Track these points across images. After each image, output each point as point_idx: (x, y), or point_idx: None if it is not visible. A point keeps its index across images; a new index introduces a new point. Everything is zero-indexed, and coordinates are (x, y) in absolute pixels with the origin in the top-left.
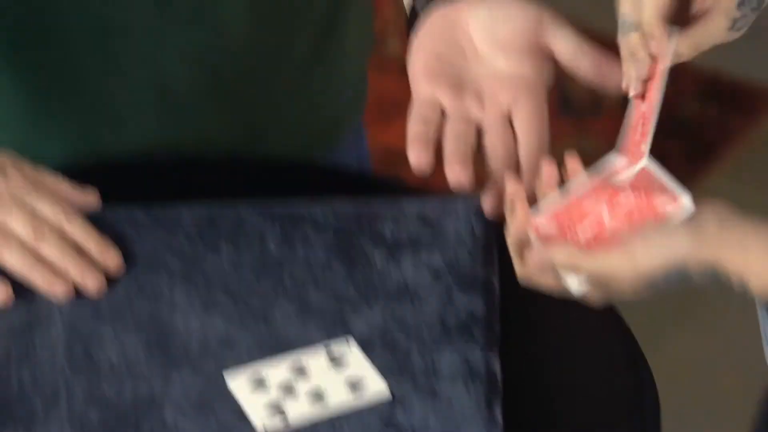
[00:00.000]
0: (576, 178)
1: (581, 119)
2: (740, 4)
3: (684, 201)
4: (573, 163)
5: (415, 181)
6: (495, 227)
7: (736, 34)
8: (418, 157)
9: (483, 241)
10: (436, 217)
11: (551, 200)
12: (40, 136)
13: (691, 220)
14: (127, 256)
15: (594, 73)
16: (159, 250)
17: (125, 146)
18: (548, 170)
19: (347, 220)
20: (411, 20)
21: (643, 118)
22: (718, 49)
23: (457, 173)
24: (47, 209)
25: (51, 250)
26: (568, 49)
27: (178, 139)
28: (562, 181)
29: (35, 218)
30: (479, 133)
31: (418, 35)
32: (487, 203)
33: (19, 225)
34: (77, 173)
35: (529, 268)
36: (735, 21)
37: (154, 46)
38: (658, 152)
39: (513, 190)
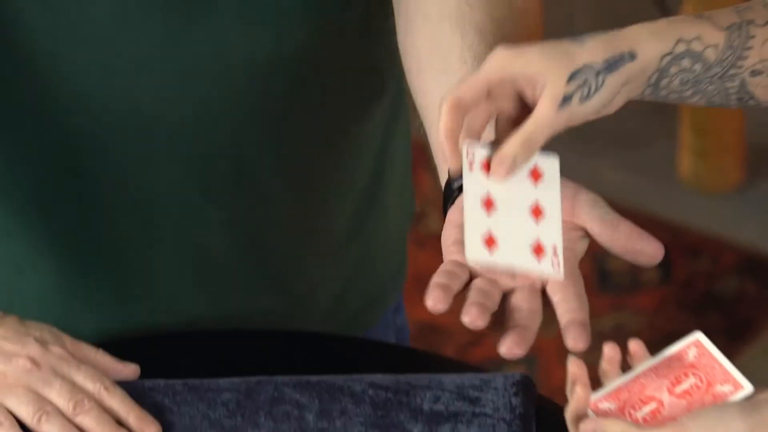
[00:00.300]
0: (640, 362)
1: (620, 295)
2: (572, 77)
3: (746, 391)
4: (637, 347)
5: (454, 356)
6: (534, 403)
7: (587, 106)
8: (435, 300)
9: (522, 417)
10: (474, 392)
11: (613, 382)
12: (79, 310)
13: (749, 403)
14: (166, 428)
15: (629, 249)
16: (198, 423)
17: (163, 318)
18: (611, 352)
19: (386, 393)
20: (446, 195)
21: None
22: (757, 224)
23: (473, 315)
24: (87, 381)
25: (90, 423)
26: (602, 226)
27: (215, 311)
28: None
29: (75, 390)
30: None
31: (453, 211)
32: (504, 346)
33: (59, 397)
34: (114, 345)
35: None
36: (567, 96)
37: (194, 221)
38: (697, 328)
39: (574, 371)
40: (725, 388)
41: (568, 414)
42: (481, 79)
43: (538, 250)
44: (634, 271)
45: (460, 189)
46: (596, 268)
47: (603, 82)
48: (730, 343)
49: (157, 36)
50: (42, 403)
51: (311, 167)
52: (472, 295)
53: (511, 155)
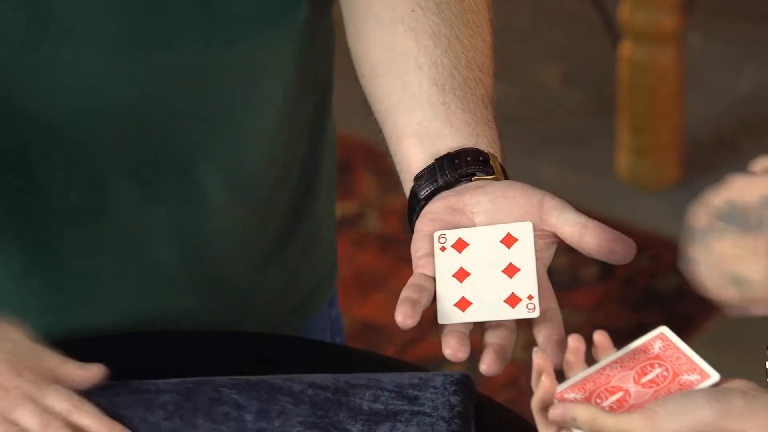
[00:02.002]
0: (605, 353)
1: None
2: None
3: (713, 379)
4: (601, 338)
5: (393, 355)
6: (473, 401)
7: None
8: (404, 315)
9: (461, 415)
10: (414, 390)
11: (578, 374)
12: (24, 312)
13: (716, 390)
14: None
15: (601, 249)
16: (136, 426)
17: (105, 320)
18: (575, 344)
19: (325, 393)
20: (411, 205)
21: None
22: None
23: (453, 348)
24: (56, 402)
25: None
26: (573, 229)
27: (157, 314)
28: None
29: (44, 413)
30: None
31: (421, 221)
32: (484, 363)
33: (29, 420)
34: (54, 348)
35: (549, 428)
36: None
37: (138, 226)
38: (637, 324)
39: (539, 362)
40: (692, 377)
41: (535, 403)
42: None
43: (512, 301)
44: (574, 268)
45: (427, 199)
46: None
47: None
48: None
49: (110, 42)
50: (10, 426)
51: (250, 166)
52: (404, 291)
53: None
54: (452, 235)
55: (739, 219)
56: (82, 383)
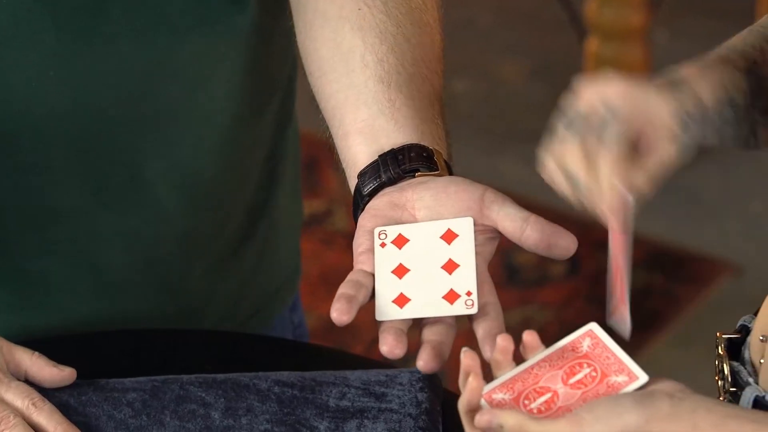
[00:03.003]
0: (533, 352)
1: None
2: (682, 123)
3: (641, 381)
4: (530, 337)
5: (360, 353)
6: (440, 398)
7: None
8: (339, 312)
9: (428, 412)
10: (380, 387)
11: (507, 374)
12: None
13: (642, 394)
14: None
15: (541, 244)
16: (103, 423)
17: (58, 322)
18: (503, 342)
19: (291, 390)
20: (356, 201)
21: (612, 286)
22: (665, 219)
23: (390, 344)
24: (16, 399)
25: None
26: (513, 224)
27: (109, 317)
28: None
29: (2, 407)
30: None
31: (363, 217)
32: (422, 360)
33: None
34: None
35: (475, 430)
36: (684, 144)
37: (89, 229)
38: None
39: (467, 362)
40: (620, 379)
41: (461, 405)
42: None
43: (451, 297)
44: (542, 265)
45: (371, 195)
46: (504, 263)
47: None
48: (638, 335)
49: (49, 46)
50: None
51: (203, 171)
52: (341, 287)
53: (638, 188)
54: (392, 231)
55: (581, 126)
56: (53, 382)
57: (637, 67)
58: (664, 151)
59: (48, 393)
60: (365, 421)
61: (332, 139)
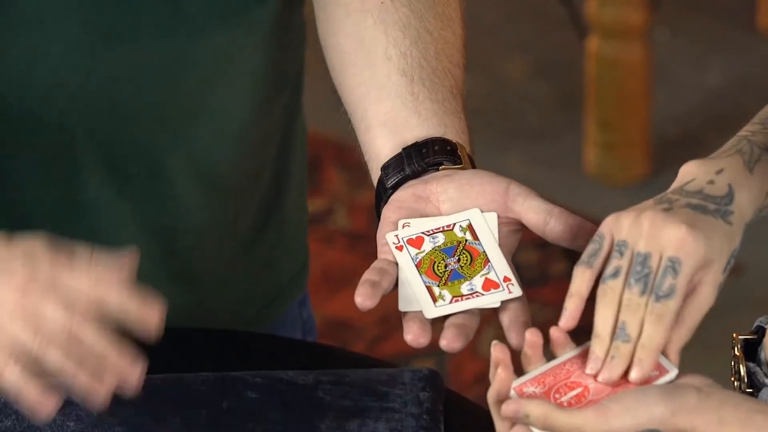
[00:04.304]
0: (561, 348)
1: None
2: (727, 266)
3: (672, 375)
4: (558, 334)
5: (361, 352)
6: (442, 397)
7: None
8: (363, 296)
9: (430, 411)
10: (382, 387)
11: (538, 368)
12: None
13: (670, 387)
14: (72, 425)
15: (565, 236)
16: (105, 419)
17: None
18: (534, 338)
19: (293, 390)
20: (379, 194)
21: None
22: None
23: (415, 333)
24: (84, 286)
25: (90, 337)
26: (538, 216)
27: None
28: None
29: (67, 312)
30: None
31: (387, 208)
32: (445, 339)
33: (54, 316)
34: None
35: (504, 421)
36: (721, 284)
37: (108, 221)
38: None
39: (497, 354)
40: (651, 373)
41: (490, 396)
42: None
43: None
44: (543, 264)
45: (394, 188)
46: None
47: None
48: None
49: (75, 37)
50: (40, 325)
51: (220, 164)
52: (365, 274)
53: (681, 346)
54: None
55: (644, 271)
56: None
57: (637, 66)
58: (708, 299)
59: (49, 384)
60: (367, 420)
61: (354, 133)
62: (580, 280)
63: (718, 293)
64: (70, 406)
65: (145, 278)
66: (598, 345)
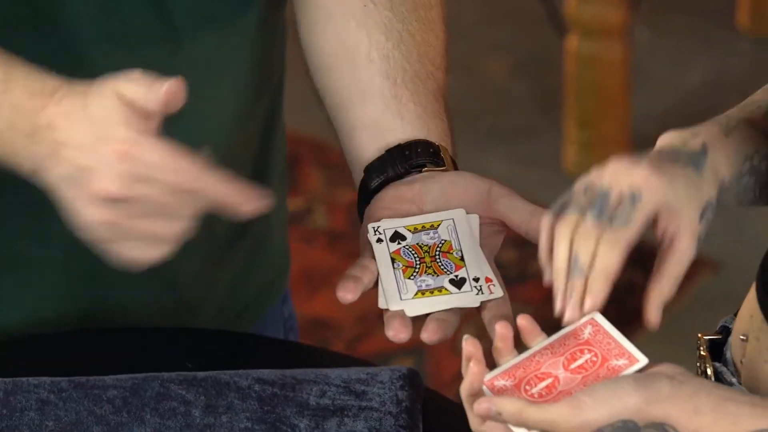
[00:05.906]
0: (530, 336)
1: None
2: (702, 217)
3: (641, 364)
4: (525, 322)
5: (341, 351)
6: (421, 396)
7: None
8: (345, 290)
9: (408, 410)
10: (361, 385)
11: (509, 361)
12: None
13: (643, 376)
14: (51, 425)
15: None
16: (83, 419)
17: (54, 314)
18: (503, 330)
19: (272, 388)
20: (361, 195)
21: None
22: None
23: (396, 329)
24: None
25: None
26: (520, 217)
27: (103, 310)
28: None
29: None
30: None
31: (370, 209)
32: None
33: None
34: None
35: (476, 417)
36: (700, 236)
37: None
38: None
39: (469, 348)
40: (620, 362)
41: (463, 390)
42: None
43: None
44: (522, 263)
45: (377, 190)
46: None
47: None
48: (620, 331)
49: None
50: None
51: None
52: (348, 270)
53: (663, 300)
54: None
55: (603, 203)
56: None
57: (617, 65)
58: (687, 250)
59: (30, 390)
60: (345, 419)
61: (336, 135)
62: (547, 228)
63: (698, 245)
64: (48, 406)
65: (127, 278)
66: (556, 281)
